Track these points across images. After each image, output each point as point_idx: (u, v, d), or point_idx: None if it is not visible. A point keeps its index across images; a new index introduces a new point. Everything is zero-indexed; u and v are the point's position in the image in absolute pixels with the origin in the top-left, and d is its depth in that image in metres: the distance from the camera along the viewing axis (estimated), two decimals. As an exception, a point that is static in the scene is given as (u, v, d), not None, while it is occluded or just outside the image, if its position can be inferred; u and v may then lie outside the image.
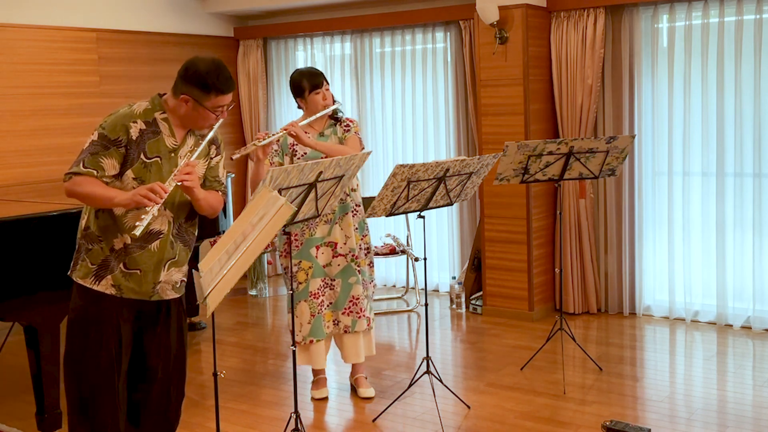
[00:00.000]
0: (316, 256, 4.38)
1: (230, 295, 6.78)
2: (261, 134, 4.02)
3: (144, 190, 2.91)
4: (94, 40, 6.39)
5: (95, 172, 2.99)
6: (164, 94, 3.14)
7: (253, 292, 7.05)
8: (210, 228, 5.65)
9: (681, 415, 4.20)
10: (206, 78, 3.02)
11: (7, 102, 5.85)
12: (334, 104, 4.40)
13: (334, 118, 4.45)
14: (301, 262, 4.38)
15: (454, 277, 6.66)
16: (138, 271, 3.10)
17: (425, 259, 4.41)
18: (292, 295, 3.92)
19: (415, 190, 3.95)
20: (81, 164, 3.00)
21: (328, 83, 4.41)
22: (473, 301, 6.26)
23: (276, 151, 4.35)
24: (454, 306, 6.40)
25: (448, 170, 3.96)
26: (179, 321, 3.31)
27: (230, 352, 5.49)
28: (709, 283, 5.70)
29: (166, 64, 7.01)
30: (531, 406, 4.37)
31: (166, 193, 2.92)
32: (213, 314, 2.89)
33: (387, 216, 4.03)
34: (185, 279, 3.30)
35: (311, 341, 4.41)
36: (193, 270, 2.79)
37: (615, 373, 4.83)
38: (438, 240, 6.87)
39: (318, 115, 4.32)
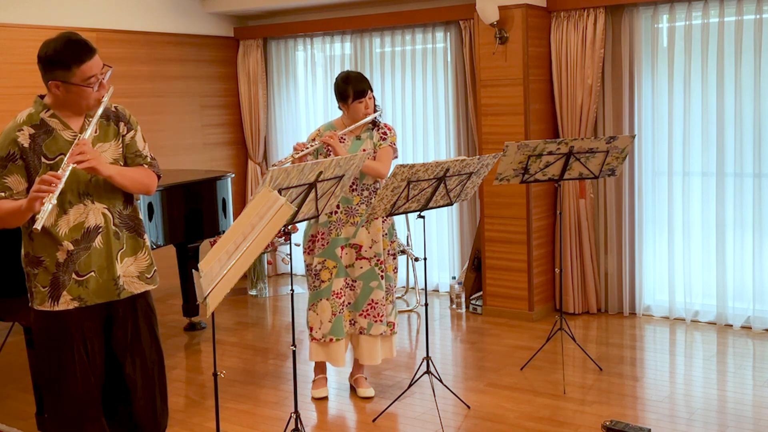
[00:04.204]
0: (340, 257, 4.40)
1: (230, 295, 6.78)
2: (298, 145, 4.24)
3: (36, 185, 2.79)
4: (94, 40, 6.25)
5: (3, 194, 2.92)
6: (45, 95, 3.02)
7: (253, 292, 7.05)
8: (210, 228, 5.66)
9: (681, 415, 4.20)
10: (60, 54, 2.89)
11: (7, 102, 5.84)
12: (375, 111, 4.45)
13: (373, 122, 4.49)
14: (326, 260, 4.40)
15: (454, 277, 6.66)
16: (93, 273, 3.01)
17: (425, 259, 4.42)
18: (292, 294, 3.92)
19: (415, 190, 3.95)
20: None
21: (372, 91, 4.44)
22: (473, 301, 6.26)
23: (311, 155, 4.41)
24: (454, 306, 6.40)
25: (448, 170, 3.96)
26: (149, 324, 3.21)
27: (230, 352, 5.49)
28: (709, 283, 5.70)
29: (166, 64, 7.01)
30: (531, 406, 4.37)
31: (59, 179, 2.79)
32: (213, 314, 2.89)
33: (387, 216, 4.04)
34: (155, 267, 3.21)
35: (331, 339, 4.43)
36: (193, 270, 2.78)
37: (615, 373, 4.83)
38: (438, 240, 6.87)
39: (357, 125, 4.40)
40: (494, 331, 5.75)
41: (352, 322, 4.49)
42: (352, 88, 4.37)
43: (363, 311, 4.45)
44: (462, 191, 4.24)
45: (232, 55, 7.58)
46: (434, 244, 6.83)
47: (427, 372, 4.33)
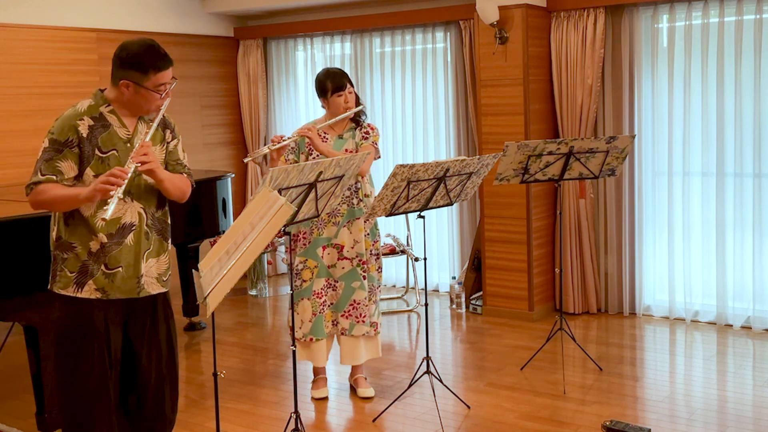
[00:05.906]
0: (322, 257, 4.39)
1: (230, 295, 6.78)
2: (276, 137, 4.16)
3: (104, 177, 2.88)
4: (94, 40, 6.39)
5: (55, 177, 2.97)
6: (105, 89, 3.11)
7: (253, 292, 7.05)
8: (210, 228, 5.66)
9: (681, 415, 4.20)
10: (142, 58, 3.02)
11: (7, 102, 5.85)
12: (357, 106, 4.42)
13: (356, 120, 4.47)
14: (307, 260, 4.39)
15: (454, 277, 6.66)
16: (120, 269, 3.07)
17: (425, 259, 4.42)
18: (292, 295, 3.92)
19: (415, 190, 3.95)
20: (39, 173, 2.98)
21: (352, 85, 4.43)
22: (473, 301, 6.26)
23: (292, 148, 4.37)
24: (454, 306, 6.40)
25: (448, 170, 3.96)
26: (167, 319, 3.29)
27: (230, 352, 5.49)
28: (709, 283, 5.70)
29: (166, 64, 7.00)
30: (531, 406, 4.37)
31: (126, 174, 2.88)
32: (213, 314, 2.89)
33: (387, 216, 4.04)
34: (170, 272, 3.28)
35: (311, 339, 4.43)
36: (193, 270, 2.79)
37: (615, 373, 4.83)
38: (438, 240, 6.86)
39: (337, 118, 4.37)
40: (494, 331, 5.75)
41: (334, 322, 4.49)
42: (330, 81, 4.36)
43: (345, 312, 4.45)
44: (462, 191, 4.24)
45: (232, 55, 7.58)
46: (434, 244, 6.83)
47: (427, 372, 4.33)
